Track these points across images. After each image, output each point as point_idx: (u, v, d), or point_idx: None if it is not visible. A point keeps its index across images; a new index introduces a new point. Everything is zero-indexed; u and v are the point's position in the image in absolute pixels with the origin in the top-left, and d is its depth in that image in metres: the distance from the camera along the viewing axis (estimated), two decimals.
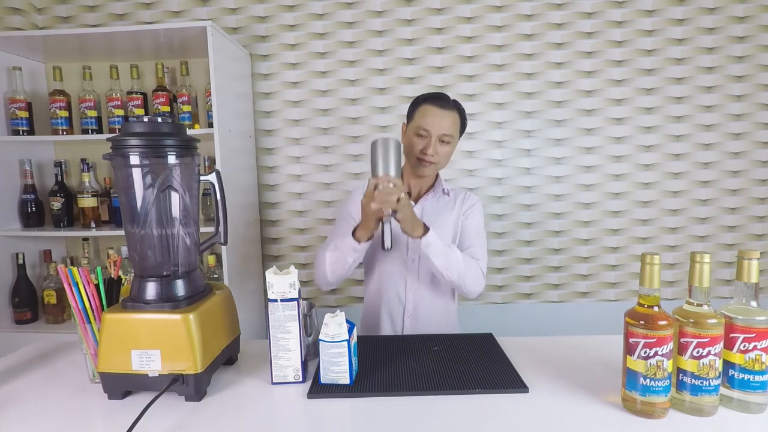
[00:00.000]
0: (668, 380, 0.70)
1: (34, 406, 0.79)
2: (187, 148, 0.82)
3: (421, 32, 1.90)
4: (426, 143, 1.17)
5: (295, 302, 0.83)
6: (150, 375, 0.77)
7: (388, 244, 1.03)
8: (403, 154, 1.23)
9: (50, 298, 1.77)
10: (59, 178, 1.82)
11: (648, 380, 0.69)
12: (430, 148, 1.17)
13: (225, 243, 0.90)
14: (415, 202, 1.26)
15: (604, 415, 0.73)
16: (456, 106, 1.21)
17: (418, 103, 1.22)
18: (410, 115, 1.24)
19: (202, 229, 1.47)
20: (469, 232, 1.27)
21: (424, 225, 1.12)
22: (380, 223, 1.05)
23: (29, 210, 1.80)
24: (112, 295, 0.87)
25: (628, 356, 0.72)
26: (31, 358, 1.00)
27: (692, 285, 0.71)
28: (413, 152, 1.20)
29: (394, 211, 1.03)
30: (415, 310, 1.25)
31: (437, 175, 1.30)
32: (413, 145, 1.19)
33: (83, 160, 1.81)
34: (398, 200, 1.02)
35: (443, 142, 1.18)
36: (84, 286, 0.83)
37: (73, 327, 0.92)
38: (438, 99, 1.19)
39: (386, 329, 1.27)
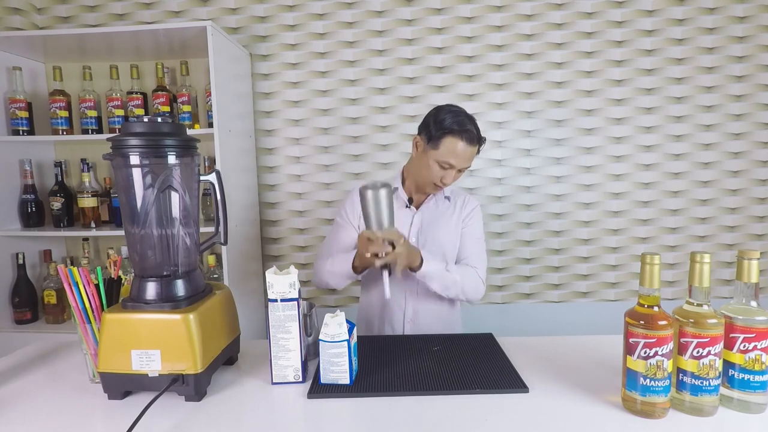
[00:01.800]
0: (668, 380, 0.70)
1: (34, 406, 0.79)
2: (187, 148, 0.82)
3: (421, 32, 1.90)
4: (446, 174, 1.16)
5: (295, 302, 0.83)
6: (150, 375, 0.77)
7: (387, 294, 1.04)
8: (416, 176, 1.23)
9: (50, 298, 1.77)
10: (59, 178, 1.82)
11: (648, 380, 0.69)
12: (449, 179, 1.16)
13: (225, 243, 0.90)
14: (417, 208, 1.26)
15: (604, 415, 0.73)
16: (479, 140, 1.17)
17: (446, 131, 1.13)
18: (432, 140, 1.15)
19: (202, 229, 1.47)
20: (468, 240, 1.28)
21: (420, 254, 1.13)
22: (380, 270, 1.06)
23: (29, 210, 1.80)
24: (112, 295, 0.87)
25: (628, 356, 0.72)
26: (31, 358, 1.00)
27: (692, 285, 0.71)
28: (431, 178, 1.17)
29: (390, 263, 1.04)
30: (415, 315, 1.25)
31: None
32: (432, 171, 1.16)
33: (83, 160, 1.81)
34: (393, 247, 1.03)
35: (460, 171, 1.18)
36: (84, 286, 0.83)
37: (73, 327, 0.92)
38: (468, 133, 1.13)
39: (385, 328, 1.27)
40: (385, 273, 1.04)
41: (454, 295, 1.19)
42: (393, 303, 1.26)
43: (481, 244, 1.30)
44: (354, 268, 1.16)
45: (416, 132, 1.22)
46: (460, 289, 1.19)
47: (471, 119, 1.17)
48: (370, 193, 0.99)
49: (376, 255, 1.02)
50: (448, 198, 1.29)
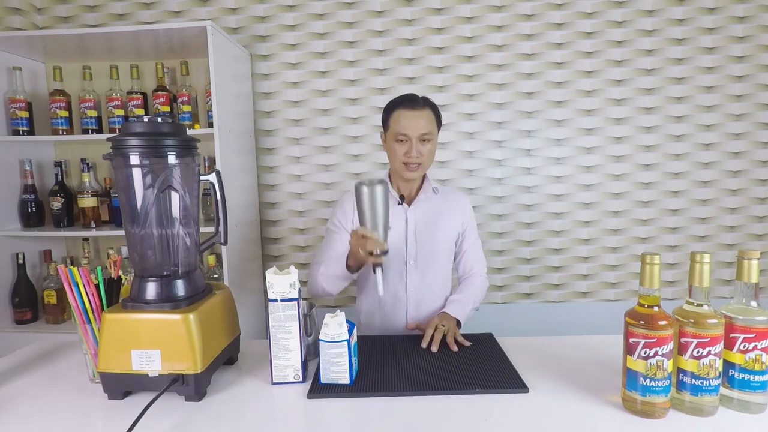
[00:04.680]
0: (668, 380, 0.70)
1: (34, 406, 0.79)
2: (187, 148, 0.82)
3: (421, 32, 1.90)
4: (408, 147, 1.18)
5: (295, 302, 0.83)
6: (150, 375, 0.77)
7: (380, 291, 1.02)
8: (392, 167, 1.25)
9: (50, 298, 1.77)
10: (59, 178, 1.82)
11: (648, 380, 0.69)
12: (413, 150, 1.17)
13: (225, 243, 0.90)
14: (409, 205, 1.27)
15: (604, 415, 0.73)
16: (427, 103, 1.21)
17: (390, 110, 1.22)
18: (385, 123, 1.24)
19: (202, 229, 1.47)
20: (471, 246, 1.32)
21: (455, 318, 1.14)
22: (373, 266, 1.04)
23: (29, 210, 1.80)
24: (112, 295, 0.87)
25: (628, 356, 0.72)
26: (31, 358, 1.00)
27: (692, 285, 0.71)
28: (397, 158, 1.20)
29: (384, 252, 1.02)
30: (417, 303, 1.26)
31: (424, 175, 1.30)
32: (395, 152, 1.20)
33: (83, 160, 1.81)
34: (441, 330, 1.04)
35: (424, 141, 1.18)
36: (84, 286, 0.83)
37: (73, 327, 0.92)
38: (408, 101, 1.19)
39: (387, 325, 1.27)
40: (378, 270, 1.02)
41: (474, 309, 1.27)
42: (394, 303, 1.26)
43: (478, 241, 1.35)
44: (349, 267, 1.14)
45: None
46: (477, 303, 1.27)
47: (415, 95, 1.22)
48: (365, 190, 0.98)
49: (370, 253, 1.01)
50: (435, 190, 1.29)
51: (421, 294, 1.26)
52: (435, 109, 1.23)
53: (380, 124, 1.28)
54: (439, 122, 1.25)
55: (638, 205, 1.95)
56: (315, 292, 1.24)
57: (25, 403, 0.80)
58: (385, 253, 1.01)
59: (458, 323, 1.14)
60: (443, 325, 1.05)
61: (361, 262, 1.11)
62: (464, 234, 1.32)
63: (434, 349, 0.99)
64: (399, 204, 1.26)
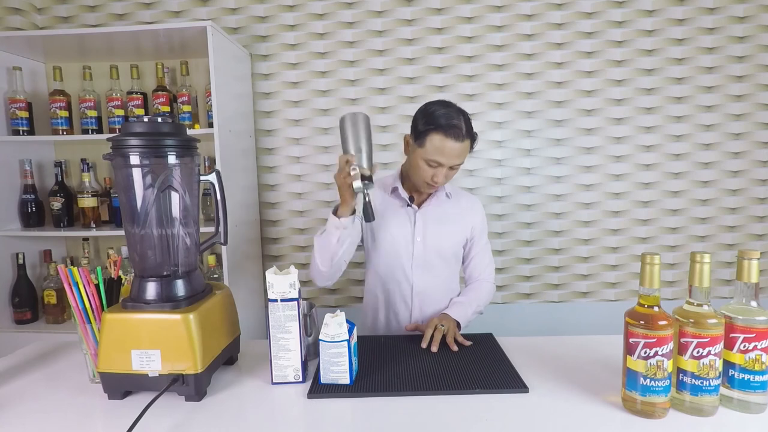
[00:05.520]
0: (668, 380, 0.70)
1: (34, 406, 0.79)
2: (187, 148, 0.82)
3: (421, 32, 1.90)
4: (436, 172, 1.12)
5: (295, 302, 0.83)
6: (150, 375, 0.77)
7: (367, 214, 1.00)
8: (410, 176, 1.21)
9: (50, 298, 1.77)
10: (59, 178, 1.82)
11: (648, 380, 0.69)
12: (440, 177, 1.12)
13: (225, 243, 0.90)
14: (418, 207, 1.25)
15: (604, 415, 0.73)
16: (469, 134, 1.11)
17: (430, 128, 1.09)
18: (419, 138, 1.11)
19: (202, 229, 1.47)
20: (481, 251, 1.32)
21: (455, 320, 1.13)
22: (358, 197, 1.03)
23: (29, 210, 1.80)
24: (112, 295, 0.87)
25: (628, 356, 0.72)
26: (31, 358, 1.00)
27: (692, 285, 0.71)
28: (421, 176, 1.14)
29: (367, 179, 0.99)
30: (421, 314, 1.26)
31: None
32: (422, 170, 1.13)
33: (83, 160, 1.81)
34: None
35: (452, 168, 1.14)
36: (84, 286, 0.83)
37: (73, 327, 0.92)
38: (453, 130, 1.07)
39: (392, 326, 1.27)
40: (360, 196, 1.01)
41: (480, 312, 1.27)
42: (400, 304, 1.26)
43: (489, 249, 1.34)
44: (338, 216, 1.09)
45: None
46: (483, 306, 1.27)
47: (460, 113, 1.11)
48: (347, 116, 1.01)
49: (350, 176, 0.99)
50: (448, 195, 1.28)
51: (427, 296, 1.25)
52: (474, 138, 1.14)
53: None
54: (472, 147, 1.16)
55: (638, 205, 1.95)
56: (314, 277, 1.19)
57: (25, 403, 0.80)
58: (369, 178, 1.00)
59: (458, 325, 1.13)
60: (442, 326, 1.04)
61: (348, 196, 1.04)
62: (473, 239, 1.30)
63: (434, 349, 0.98)
64: (408, 206, 1.25)
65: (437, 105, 1.13)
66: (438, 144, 1.08)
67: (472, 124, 1.14)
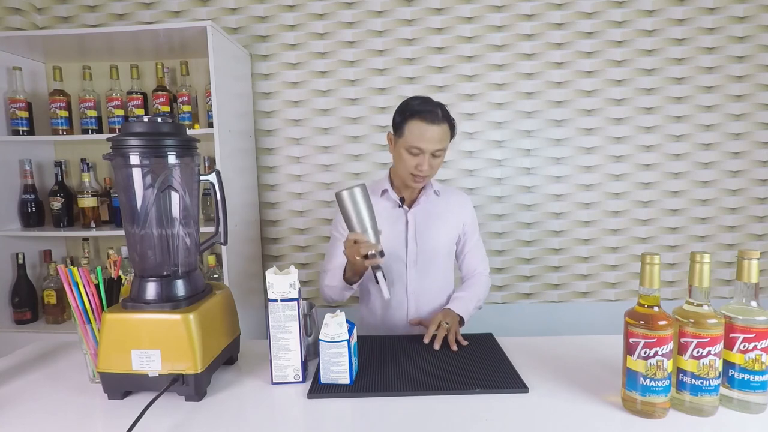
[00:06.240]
0: (668, 380, 0.70)
1: (34, 406, 0.79)
2: (187, 148, 0.82)
3: (421, 32, 1.90)
4: (419, 161, 1.14)
5: (295, 302, 0.83)
6: (150, 375, 0.77)
7: (386, 294, 1.03)
8: (396, 172, 1.23)
9: (50, 298, 1.77)
10: (59, 178, 1.82)
11: (648, 380, 0.69)
12: (424, 164, 1.13)
13: (225, 243, 0.90)
14: (409, 207, 1.26)
15: (604, 415, 0.73)
16: (445, 116, 1.14)
17: (406, 116, 1.14)
18: (398, 128, 1.16)
19: (202, 229, 1.47)
20: (473, 247, 1.32)
21: (459, 315, 1.13)
22: (372, 270, 1.05)
23: (29, 210, 1.80)
24: (112, 295, 0.87)
25: (628, 356, 0.72)
26: (31, 358, 1.00)
27: (692, 285, 0.71)
28: (406, 168, 1.16)
29: (379, 254, 1.01)
30: (418, 305, 1.26)
31: None
32: (405, 162, 1.15)
33: (83, 160, 1.81)
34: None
35: (435, 156, 1.15)
36: (84, 286, 0.83)
37: (73, 327, 0.92)
38: (428, 114, 1.11)
39: (389, 326, 1.27)
40: (380, 274, 1.02)
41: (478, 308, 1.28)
42: (395, 305, 1.26)
43: (480, 242, 1.35)
44: (347, 280, 1.15)
45: None
46: (481, 301, 1.28)
47: (436, 103, 1.16)
48: (345, 194, 0.98)
49: (365, 257, 1.00)
50: (437, 193, 1.28)
51: (422, 295, 1.26)
52: (451, 123, 1.17)
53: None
54: (452, 134, 1.19)
55: (638, 205, 1.95)
56: (325, 300, 1.27)
57: (25, 403, 0.80)
58: (380, 254, 1.01)
59: (461, 320, 1.14)
60: (447, 323, 1.05)
61: (360, 269, 1.11)
62: (465, 235, 1.31)
63: (436, 347, 0.99)
64: (399, 206, 1.25)
65: (412, 98, 1.18)
66: (416, 130, 1.12)
67: (452, 113, 1.18)
